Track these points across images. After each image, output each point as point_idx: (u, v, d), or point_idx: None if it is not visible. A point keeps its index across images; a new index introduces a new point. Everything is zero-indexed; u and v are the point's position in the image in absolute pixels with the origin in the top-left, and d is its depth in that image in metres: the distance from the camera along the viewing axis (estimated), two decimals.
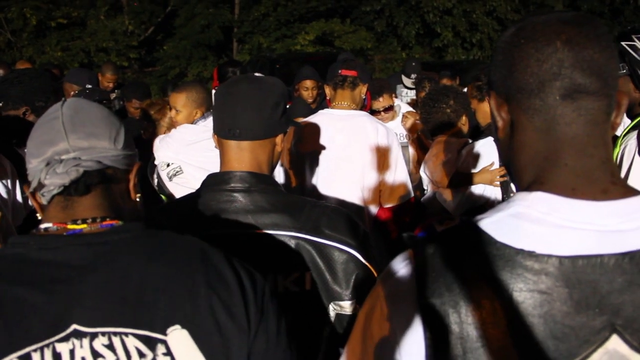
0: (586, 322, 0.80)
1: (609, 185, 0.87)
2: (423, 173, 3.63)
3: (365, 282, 1.56)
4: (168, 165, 3.13)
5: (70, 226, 1.08)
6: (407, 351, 0.86)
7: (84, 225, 1.08)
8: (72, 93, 4.90)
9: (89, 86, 5.01)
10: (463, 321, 0.82)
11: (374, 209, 3.13)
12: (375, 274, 1.57)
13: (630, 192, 0.87)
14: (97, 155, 1.10)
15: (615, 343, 0.80)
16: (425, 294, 0.84)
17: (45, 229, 1.09)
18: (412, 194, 3.19)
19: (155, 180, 3.18)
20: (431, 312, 0.84)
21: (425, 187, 3.70)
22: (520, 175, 0.94)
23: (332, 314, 1.54)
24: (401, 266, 0.91)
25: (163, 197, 3.18)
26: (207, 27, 17.67)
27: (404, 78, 6.98)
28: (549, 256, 0.81)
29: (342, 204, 3.01)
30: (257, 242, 1.52)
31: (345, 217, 1.61)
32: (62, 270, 1.03)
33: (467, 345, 0.82)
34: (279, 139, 1.62)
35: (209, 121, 3.16)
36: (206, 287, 1.05)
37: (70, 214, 1.10)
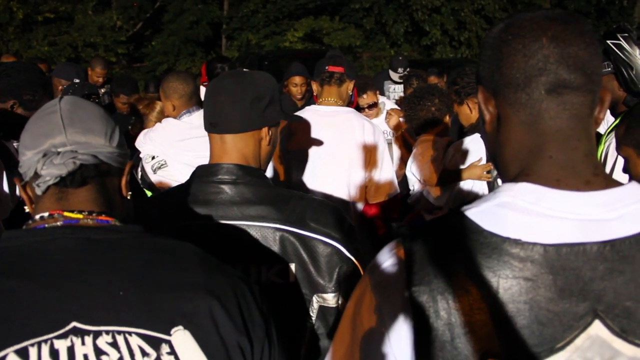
0: (569, 308, 0.83)
1: (591, 176, 0.90)
2: (409, 172, 3.65)
3: (349, 275, 1.58)
4: (153, 158, 3.13)
5: (66, 213, 1.09)
6: (396, 339, 0.89)
7: (80, 216, 1.09)
8: (60, 87, 4.88)
9: (77, 80, 4.99)
10: (451, 307, 0.84)
11: (360, 206, 3.15)
12: (360, 268, 1.59)
13: (612, 183, 0.90)
14: (93, 150, 1.12)
15: (597, 328, 0.83)
16: (414, 281, 0.87)
17: (41, 217, 1.09)
18: (398, 191, 3.22)
19: (139, 174, 3.17)
20: (420, 299, 0.86)
21: (411, 187, 3.72)
22: (506, 167, 0.96)
23: (315, 306, 1.56)
24: (389, 255, 0.93)
25: (146, 190, 3.17)
26: (196, 23, 17.62)
27: (391, 73, 7.00)
28: (534, 244, 0.84)
29: (329, 200, 3.03)
30: (241, 234, 1.53)
31: (332, 210, 1.63)
32: (61, 264, 1.03)
33: (455, 331, 0.84)
34: (263, 132, 1.62)
35: (194, 117, 3.15)
36: (204, 290, 1.07)
37: (64, 205, 1.10)
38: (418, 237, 0.90)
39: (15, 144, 3.04)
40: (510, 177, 0.94)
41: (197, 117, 3.12)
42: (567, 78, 0.89)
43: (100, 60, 6.63)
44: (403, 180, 3.85)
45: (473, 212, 0.89)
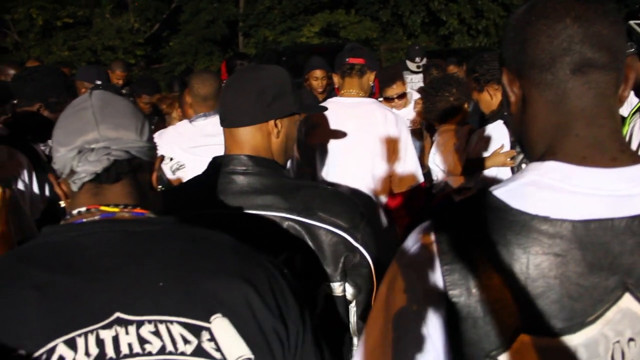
0: (599, 282, 0.84)
1: (617, 153, 0.91)
2: (432, 163, 3.66)
3: (356, 264, 1.60)
4: (171, 159, 3.15)
5: (103, 207, 1.12)
6: (429, 317, 0.91)
7: (117, 209, 1.12)
8: (83, 90, 4.95)
9: (99, 82, 5.07)
10: (482, 284, 0.86)
11: (384, 195, 3.17)
12: (368, 257, 1.60)
13: (638, 159, 0.91)
14: (125, 145, 1.13)
15: (627, 301, 0.85)
16: (446, 260, 0.89)
17: (79, 212, 1.12)
18: (422, 179, 3.23)
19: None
20: (452, 277, 0.88)
21: (434, 177, 3.73)
22: (533, 147, 0.98)
23: (321, 295, 1.58)
24: (420, 237, 0.95)
25: (160, 187, 3.20)
26: (212, 22, 17.72)
27: (408, 63, 6.96)
28: (563, 220, 0.85)
29: (353, 192, 3.06)
30: (249, 223, 1.56)
31: (342, 200, 1.65)
32: (102, 257, 1.06)
33: (487, 307, 0.86)
34: (270, 125, 1.64)
35: (208, 122, 3.07)
36: (240, 278, 1.10)
37: (100, 200, 1.13)
38: (448, 217, 0.92)
39: (42, 147, 3.10)
40: (537, 156, 0.96)
41: (211, 124, 3.02)
42: (591, 57, 0.90)
43: (119, 63, 6.71)
44: (428, 173, 3.86)
45: (501, 192, 0.91)
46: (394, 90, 4.65)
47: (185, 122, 3.24)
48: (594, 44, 0.90)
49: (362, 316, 1.65)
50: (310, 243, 1.56)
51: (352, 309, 1.65)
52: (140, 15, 18.34)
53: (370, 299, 1.65)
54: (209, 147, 2.88)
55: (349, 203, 1.65)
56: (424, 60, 6.77)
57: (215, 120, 3.01)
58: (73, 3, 17.50)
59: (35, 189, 2.68)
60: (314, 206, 1.58)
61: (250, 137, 1.63)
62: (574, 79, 0.92)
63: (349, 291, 1.62)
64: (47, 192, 2.74)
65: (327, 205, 1.59)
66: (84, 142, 1.11)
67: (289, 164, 3.15)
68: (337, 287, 1.58)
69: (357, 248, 1.59)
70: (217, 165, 1.65)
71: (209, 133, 2.97)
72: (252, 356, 1.06)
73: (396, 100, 4.64)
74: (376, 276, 1.64)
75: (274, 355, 1.09)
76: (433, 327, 0.91)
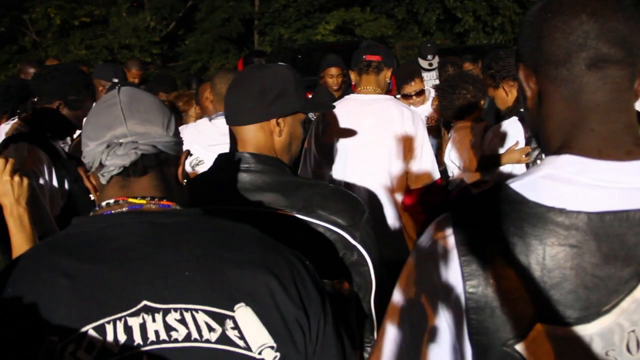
0: (614, 273, 0.86)
1: (632, 147, 0.93)
2: (448, 160, 3.68)
3: (354, 263, 1.60)
4: (191, 154, 3.19)
5: (130, 199, 1.16)
6: (449, 307, 0.93)
7: (144, 201, 1.16)
8: (100, 88, 5.01)
9: (116, 80, 5.12)
10: (500, 275, 0.89)
11: (401, 193, 3.19)
12: (366, 256, 1.61)
13: None
14: (152, 140, 1.17)
15: None
16: (464, 251, 0.91)
17: (107, 204, 1.16)
18: (439, 176, 3.25)
19: None
20: (470, 267, 0.90)
21: (450, 174, 3.74)
22: (549, 141, 1.00)
23: None
24: (438, 228, 0.98)
25: (185, 180, 3.25)
26: (228, 21, 17.77)
27: (420, 61, 6.95)
28: (579, 212, 0.87)
29: (371, 188, 3.08)
30: (249, 220, 1.56)
31: (343, 198, 1.66)
32: (129, 247, 1.10)
33: (505, 297, 0.88)
34: (272, 124, 1.65)
35: (220, 120, 3.11)
36: (264, 268, 1.13)
37: (128, 193, 1.17)
38: (466, 209, 0.95)
39: (62, 144, 3.15)
40: (553, 150, 0.97)
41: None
42: (607, 52, 0.92)
43: (135, 62, 6.78)
44: (443, 170, 3.87)
45: (518, 185, 0.93)
46: (412, 88, 4.67)
47: (205, 120, 3.28)
48: (609, 40, 0.92)
49: (360, 314, 1.66)
50: (308, 241, 1.56)
51: (351, 306, 1.66)
52: (156, 13, 18.43)
53: (369, 296, 1.66)
54: (227, 146, 2.90)
55: (349, 201, 1.66)
56: (436, 58, 6.76)
57: None
58: (90, 2, 17.64)
59: (55, 185, 2.73)
60: (314, 204, 1.59)
61: (252, 136, 1.66)
62: (589, 74, 0.93)
63: (348, 289, 1.63)
64: (66, 186, 2.78)
65: (327, 203, 1.60)
66: (112, 136, 1.15)
67: (311, 161, 3.19)
68: (336, 284, 1.59)
69: (355, 246, 1.60)
70: (222, 162, 1.68)
71: (225, 132, 2.99)
72: (274, 345, 1.08)
73: (414, 97, 4.67)
74: (376, 275, 1.65)
75: (296, 345, 1.11)
76: (448, 319, 0.93)
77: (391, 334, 1.03)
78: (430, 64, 6.68)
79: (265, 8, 18.10)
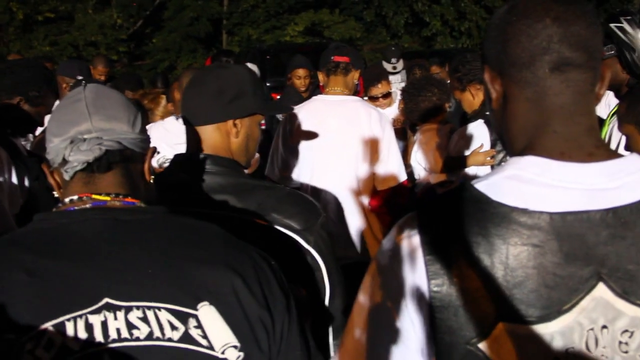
0: (575, 272, 0.88)
1: (594, 149, 0.94)
2: (414, 161, 3.71)
3: (307, 267, 1.59)
4: (158, 153, 3.18)
5: (94, 196, 1.14)
6: (411, 309, 0.94)
7: (108, 198, 1.14)
8: (64, 85, 4.92)
9: (80, 78, 5.03)
10: (464, 274, 0.90)
11: (367, 194, 3.20)
12: (320, 260, 1.60)
13: (613, 155, 0.95)
14: (116, 136, 1.16)
15: (601, 290, 0.88)
16: (429, 249, 0.92)
17: (71, 200, 1.14)
18: (405, 177, 3.27)
19: None
20: (435, 267, 0.91)
21: (416, 176, 3.78)
22: (513, 142, 1.01)
23: None
24: (403, 227, 0.98)
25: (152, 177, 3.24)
26: (196, 20, 17.65)
27: (384, 64, 6.98)
28: (541, 212, 0.89)
29: (337, 189, 3.08)
30: None
31: (299, 201, 1.64)
32: (92, 244, 1.08)
33: (468, 296, 0.89)
34: (229, 125, 1.63)
35: None
36: (228, 267, 1.12)
37: (92, 189, 1.15)
38: (431, 209, 0.95)
39: (23, 141, 3.08)
40: (517, 151, 0.99)
41: None
42: (569, 56, 0.94)
43: (102, 59, 6.67)
44: (411, 173, 3.90)
45: (482, 185, 0.94)
46: (378, 90, 4.70)
47: (172, 118, 3.28)
48: (572, 44, 0.94)
49: (316, 318, 1.64)
50: (262, 244, 1.56)
51: (306, 311, 1.62)
52: (123, 11, 18.21)
53: (322, 300, 1.65)
54: None
55: (305, 204, 1.65)
56: (400, 62, 6.80)
57: None
58: None
59: (15, 183, 2.66)
60: (268, 207, 1.57)
61: (209, 136, 1.63)
62: (552, 77, 0.95)
63: (305, 293, 1.60)
64: (27, 183, 2.72)
65: (282, 207, 1.59)
66: (77, 132, 1.14)
67: (279, 162, 3.18)
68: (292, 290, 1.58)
69: (308, 250, 1.59)
70: (178, 163, 1.66)
71: None
72: (238, 344, 1.08)
73: (381, 99, 4.69)
74: (330, 279, 1.64)
75: (259, 344, 1.11)
76: (413, 319, 0.94)
77: (357, 337, 1.03)
78: (394, 67, 6.73)
79: (234, 8, 18.02)
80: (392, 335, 0.97)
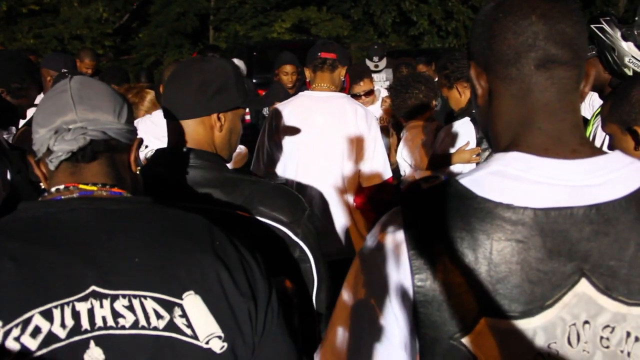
0: (558, 268, 0.88)
1: (577, 146, 0.95)
2: (400, 158, 3.72)
3: (295, 260, 1.59)
4: (146, 146, 3.18)
5: (81, 185, 1.15)
6: (398, 300, 0.94)
7: (95, 188, 1.15)
8: (49, 78, 4.87)
9: (65, 71, 4.98)
10: (448, 269, 0.90)
11: (353, 190, 3.20)
12: (309, 252, 1.60)
13: (597, 152, 0.96)
14: (102, 126, 1.17)
15: (583, 286, 0.89)
16: (413, 245, 0.92)
17: (57, 189, 1.15)
18: (390, 174, 3.28)
19: None
20: (419, 261, 0.91)
21: (402, 172, 3.79)
22: (498, 138, 1.02)
23: None
24: (388, 222, 0.98)
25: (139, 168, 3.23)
26: (183, 15, 17.54)
27: (367, 62, 7.00)
28: (525, 208, 0.89)
29: (322, 185, 3.08)
30: None
31: (284, 194, 1.64)
32: (79, 232, 1.09)
33: (452, 290, 0.89)
34: (213, 118, 1.62)
35: None
36: (214, 257, 1.13)
37: (78, 179, 1.16)
38: (415, 203, 0.95)
39: (5, 135, 3.04)
40: (502, 147, 0.99)
41: None
42: (555, 53, 0.94)
43: (88, 52, 6.60)
44: (397, 169, 3.91)
45: (467, 180, 0.94)
46: (361, 88, 4.72)
47: (159, 112, 3.26)
48: (558, 41, 0.94)
49: (303, 311, 1.64)
50: (249, 236, 1.55)
51: (294, 304, 1.62)
52: (109, 4, 18.04)
53: (311, 293, 1.65)
54: None
55: (290, 197, 1.65)
56: (383, 61, 6.80)
57: None
58: None
59: None
60: (255, 200, 1.57)
61: (192, 130, 1.62)
62: (537, 74, 0.95)
63: (291, 287, 1.59)
64: (8, 179, 2.69)
65: (268, 200, 1.59)
66: (62, 122, 1.15)
67: (264, 157, 3.18)
68: (279, 282, 1.56)
69: (297, 243, 1.59)
70: (160, 157, 1.64)
71: None
72: (222, 334, 1.09)
73: (363, 97, 4.70)
74: (318, 271, 1.64)
75: (243, 334, 1.12)
76: (397, 314, 0.94)
77: (340, 333, 1.03)
78: (377, 66, 6.74)
79: (222, 4, 17.95)
80: (375, 331, 0.97)
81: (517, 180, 0.91)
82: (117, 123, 1.19)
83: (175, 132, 1.64)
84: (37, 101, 4.36)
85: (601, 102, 2.59)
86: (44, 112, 1.18)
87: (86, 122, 1.15)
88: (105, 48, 17.33)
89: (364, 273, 1.00)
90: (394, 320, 0.95)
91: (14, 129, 3.61)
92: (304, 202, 1.68)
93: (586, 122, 2.58)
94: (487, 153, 2.96)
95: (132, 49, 18.66)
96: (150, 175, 1.58)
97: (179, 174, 1.58)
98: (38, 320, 1.00)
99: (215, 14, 18.12)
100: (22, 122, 3.46)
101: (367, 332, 0.98)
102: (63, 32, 16.77)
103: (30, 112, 3.66)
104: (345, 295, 1.04)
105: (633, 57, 2.19)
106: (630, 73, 2.20)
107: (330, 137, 3.08)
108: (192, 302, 1.08)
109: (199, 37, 18.32)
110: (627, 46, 2.21)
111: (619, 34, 2.26)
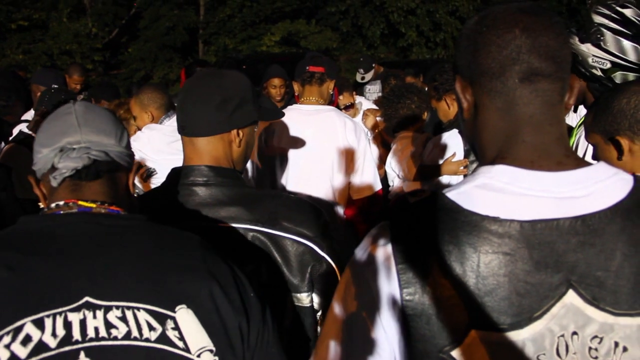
0: (545, 279, 0.89)
1: (563, 158, 0.96)
2: (389, 168, 3.73)
3: (323, 274, 1.57)
4: (147, 168, 3.20)
5: (81, 202, 1.18)
6: (384, 319, 0.94)
7: (93, 205, 1.18)
8: (38, 94, 4.87)
9: (55, 86, 4.98)
10: (436, 282, 0.90)
11: (343, 202, 3.21)
12: (335, 266, 1.58)
13: (582, 163, 0.97)
14: (104, 148, 1.21)
15: (571, 297, 0.89)
16: (401, 258, 0.92)
17: (57, 205, 1.18)
18: (380, 186, 3.29)
19: None
20: (407, 275, 0.92)
21: (390, 183, 3.80)
22: (484, 151, 1.02)
23: (289, 306, 1.56)
24: (376, 236, 0.99)
25: (137, 192, 3.23)
26: (172, 29, 17.58)
27: (358, 75, 7.05)
28: (512, 221, 0.90)
29: (313, 199, 3.08)
30: (213, 235, 1.50)
31: (307, 208, 1.63)
32: (75, 245, 1.11)
33: (441, 304, 0.90)
34: (232, 134, 1.60)
35: (174, 120, 3.19)
36: (207, 273, 1.15)
37: (78, 196, 1.19)
38: (403, 218, 0.96)
39: None
40: (488, 160, 1.00)
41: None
42: (538, 66, 0.95)
43: (77, 67, 6.58)
44: (383, 179, 3.92)
45: (453, 194, 0.95)
46: (341, 101, 4.77)
47: (153, 125, 3.29)
48: (541, 54, 0.95)
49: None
50: (276, 254, 1.53)
51: (320, 318, 1.62)
52: (98, 20, 18.06)
53: None
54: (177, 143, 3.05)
55: (312, 211, 1.63)
56: (370, 73, 6.84)
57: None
58: (28, 6, 17.13)
59: None
60: (278, 216, 1.55)
61: (212, 148, 1.59)
62: (522, 87, 0.96)
63: (316, 301, 1.59)
64: None
65: (291, 215, 1.57)
66: (66, 142, 1.19)
67: (249, 172, 3.18)
68: (304, 298, 1.56)
69: (323, 257, 1.57)
70: (176, 176, 1.62)
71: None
72: (213, 348, 1.10)
73: (343, 110, 4.74)
74: None
75: (234, 350, 1.13)
76: (386, 328, 0.94)
77: (331, 347, 1.03)
78: (363, 78, 6.79)
79: (211, 18, 18.00)
80: (365, 345, 0.97)
81: (503, 193, 0.92)
82: (118, 146, 1.24)
83: (193, 149, 1.61)
84: (24, 117, 4.36)
85: (584, 112, 2.62)
86: (47, 133, 1.22)
87: (90, 143, 1.20)
88: (94, 63, 17.33)
89: (354, 287, 1.00)
90: (384, 335, 0.95)
91: (2, 143, 3.60)
92: (324, 213, 1.66)
93: (570, 130, 2.60)
94: (474, 165, 2.98)
95: (121, 63, 18.66)
96: (169, 195, 1.57)
97: (198, 192, 1.56)
98: (29, 328, 1.01)
99: (205, 28, 18.16)
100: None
101: (357, 346, 0.98)
102: (52, 47, 16.76)
103: (16, 129, 3.65)
104: (336, 309, 1.04)
105: (594, 56, 2.24)
106: (599, 73, 2.24)
107: (320, 150, 3.09)
108: (185, 316, 1.09)
109: (188, 51, 18.35)
110: (587, 47, 2.25)
111: (576, 39, 2.30)
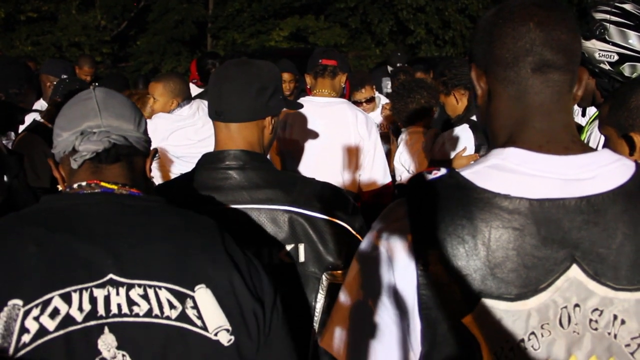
0: (551, 254, 0.96)
1: (570, 143, 1.03)
2: (397, 163, 3.78)
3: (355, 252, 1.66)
4: (158, 157, 3.30)
5: (103, 183, 1.22)
6: (402, 282, 1.01)
7: (115, 186, 1.22)
8: (48, 84, 4.89)
9: (65, 77, 5.01)
10: (449, 254, 0.97)
11: (353, 196, 3.27)
12: None
13: (587, 149, 1.04)
14: (124, 133, 1.25)
15: (575, 271, 0.96)
16: (417, 231, 1.00)
17: (79, 185, 1.22)
18: (390, 179, 3.35)
19: None
20: (422, 246, 0.99)
21: (398, 177, 3.84)
22: (496, 136, 1.09)
23: (325, 284, 1.63)
24: (395, 209, 1.06)
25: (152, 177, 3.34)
26: (181, 23, 17.60)
27: (389, 68, 7.14)
28: (521, 198, 0.97)
29: None
30: (252, 217, 1.61)
31: (336, 192, 1.72)
32: (100, 224, 1.15)
33: (453, 274, 0.97)
34: (267, 121, 1.68)
35: (184, 110, 3.45)
36: (225, 255, 1.20)
37: (99, 178, 1.23)
38: (420, 193, 1.03)
39: (4, 140, 3.08)
40: (499, 144, 1.07)
41: (186, 109, 3.48)
42: (550, 59, 1.03)
43: (87, 59, 6.62)
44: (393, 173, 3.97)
45: (468, 172, 1.02)
46: (362, 95, 4.80)
47: (160, 114, 3.45)
48: (553, 47, 1.02)
49: None
50: (313, 234, 1.60)
51: None
52: (107, 12, 18.10)
53: None
54: (187, 129, 3.45)
55: (341, 194, 1.72)
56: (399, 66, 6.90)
57: (189, 106, 3.56)
58: None
59: None
60: (313, 198, 1.63)
61: (247, 133, 1.66)
62: (534, 77, 1.03)
63: None
64: (5, 179, 2.72)
65: (325, 197, 1.65)
66: (87, 126, 1.22)
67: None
68: (340, 275, 1.63)
69: (355, 236, 1.64)
70: (209, 160, 1.68)
71: (186, 116, 3.53)
72: (230, 328, 1.15)
73: (364, 104, 4.79)
74: None
75: (249, 331, 1.18)
76: (405, 292, 1.00)
77: (337, 333, 1.10)
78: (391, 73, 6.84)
79: (220, 12, 18.02)
80: (375, 328, 1.04)
81: (513, 173, 0.99)
82: (137, 132, 1.28)
83: (228, 134, 1.67)
84: (35, 106, 4.39)
85: (594, 110, 2.65)
86: (68, 117, 1.26)
87: (110, 127, 1.24)
88: (103, 55, 17.37)
89: (368, 263, 1.07)
90: (393, 316, 1.02)
91: (12, 134, 3.65)
92: (350, 198, 1.74)
93: (581, 128, 2.64)
94: None
95: (130, 56, 18.70)
96: (200, 179, 1.64)
97: (234, 175, 1.62)
98: (57, 302, 1.06)
99: (214, 22, 18.19)
100: (21, 128, 3.50)
101: (367, 327, 1.05)
102: (61, 39, 16.80)
103: (28, 118, 3.71)
104: (348, 287, 1.10)
105: (601, 50, 2.28)
106: (607, 67, 2.27)
107: (331, 142, 3.15)
108: (203, 295, 1.14)
109: (196, 44, 18.38)
110: (592, 44, 2.29)
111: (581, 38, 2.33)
